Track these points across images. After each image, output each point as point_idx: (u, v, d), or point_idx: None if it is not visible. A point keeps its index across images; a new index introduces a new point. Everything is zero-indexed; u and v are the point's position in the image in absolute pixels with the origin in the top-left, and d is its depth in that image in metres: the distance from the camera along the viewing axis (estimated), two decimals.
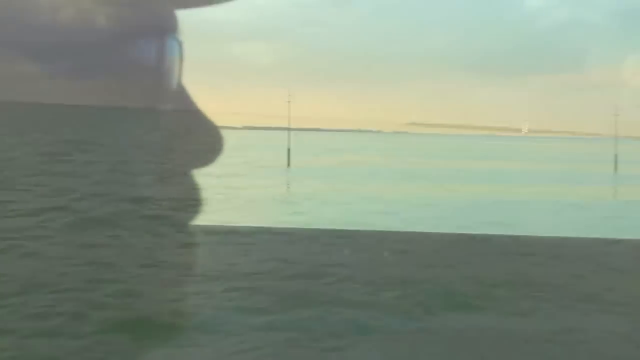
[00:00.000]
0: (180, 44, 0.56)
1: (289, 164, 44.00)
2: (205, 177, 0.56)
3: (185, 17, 0.53)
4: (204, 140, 0.56)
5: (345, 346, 4.34)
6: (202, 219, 0.56)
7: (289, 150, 44.69)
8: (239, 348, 3.93)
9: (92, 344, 0.56)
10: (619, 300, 5.20)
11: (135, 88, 0.53)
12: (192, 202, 0.54)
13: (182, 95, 0.56)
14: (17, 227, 0.52)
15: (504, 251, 7.14)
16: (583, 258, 6.57)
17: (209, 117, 0.56)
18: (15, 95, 0.50)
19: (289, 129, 48.53)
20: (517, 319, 4.80)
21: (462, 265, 6.19)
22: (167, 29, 0.55)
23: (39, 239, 0.53)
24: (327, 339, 4.44)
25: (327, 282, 6.14)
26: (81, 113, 0.51)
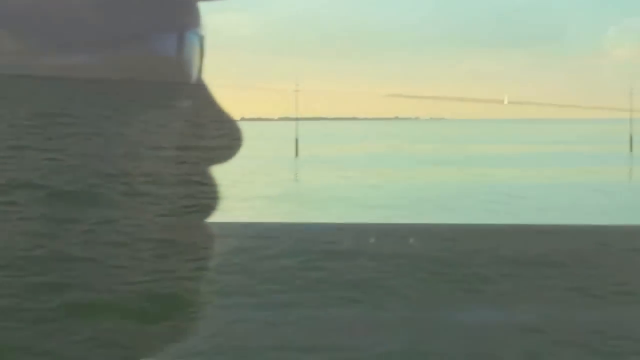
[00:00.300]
0: (200, 39, 0.57)
1: (297, 154, 44.70)
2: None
3: None
4: (218, 137, 0.57)
5: None
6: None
7: (296, 140, 45.44)
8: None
9: (50, 330, 0.50)
10: None
11: (145, 84, 0.53)
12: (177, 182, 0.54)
13: (200, 92, 0.57)
14: None
15: None
16: None
17: (228, 113, 0.57)
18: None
19: (296, 119, 49.40)
20: None
21: None
22: (186, 20, 0.56)
23: (6, 215, 0.50)
24: None
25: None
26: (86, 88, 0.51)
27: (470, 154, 49.40)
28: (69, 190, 0.51)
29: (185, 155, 0.55)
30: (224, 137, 0.57)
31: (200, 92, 0.57)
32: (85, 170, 0.51)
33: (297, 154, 44.49)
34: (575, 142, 64.95)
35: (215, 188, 0.57)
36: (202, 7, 0.58)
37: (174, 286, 0.55)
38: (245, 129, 0.58)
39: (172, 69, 0.55)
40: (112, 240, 0.52)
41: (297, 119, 49.54)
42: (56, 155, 0.51)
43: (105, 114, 0.52)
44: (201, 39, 0.57)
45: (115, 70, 0.52)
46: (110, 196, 0.52)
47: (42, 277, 0.51)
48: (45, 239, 0.50)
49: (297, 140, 45.36)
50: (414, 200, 23.26)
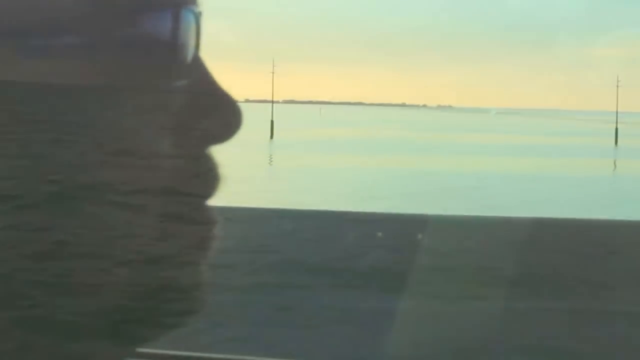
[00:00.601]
0: (196, 16, 0.55)
1: (272, 136, 44.61)
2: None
3: None
4: (216, 117, 0.55)
5: None
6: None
7: (272, 122, 45.33)
8: None
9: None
10: None
11: (140, 64, 0.51)
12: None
13: (197, 71, 0.55)
14: None
15: None
16: None
17: (226, 93, 0.55)
18: None
19: (272, 102, 49.25)
20: None
21: None
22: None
23: None
24: None
25: None
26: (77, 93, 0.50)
27: (458, 142, 49.34)
28: (41, 200, 0.48)
29: (183, 138, 0.52)
30: (222, 116, 0.55)
31: (198, 70, 0.55)
32: (60, 179, 0.48)
33: (272, 137, 44.41)
34: (563, 135, 64.85)
35: (213, 174, 0.55)
36: None
37: (141, 308, 0.51)
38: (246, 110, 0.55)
39: (167, 48, 0.52)
40: (82, 253, 0.49)
41: (272, 102, 49.32)
42: (30, 163, 0.48)
43: (88, 120, 0.49)
44: (197, 16, 0.55)
45: (108, 51, 0.50)
46: (85, 206, 0.49)
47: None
48: (10, 251, 0.48)
49: (272, 123, 45.25)
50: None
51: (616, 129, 54.33)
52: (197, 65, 0.54)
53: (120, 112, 0.50)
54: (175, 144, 0.52)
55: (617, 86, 63.47)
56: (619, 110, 59.59)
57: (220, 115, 0.54)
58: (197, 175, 0.53)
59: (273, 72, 54.44)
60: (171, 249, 0.52)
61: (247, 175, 22.93)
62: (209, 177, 0.54)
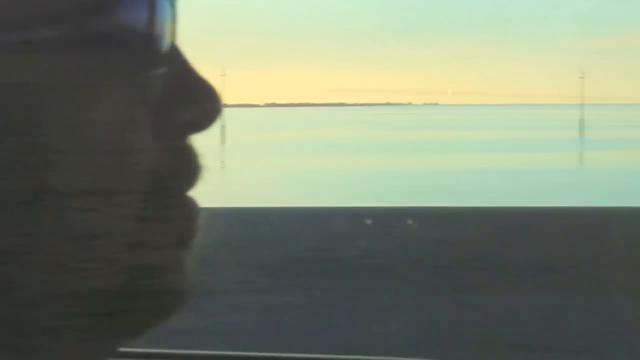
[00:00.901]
0: (172, 4, 0.53)
1: (223, 141, 44.28)
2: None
3: None
4: (194, 104, 0.52)
5: None
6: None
7: (223, 127, 44.87)
8: None
9: None
10: None
11: (113, 55, 0.48)
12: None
13: (174, 59, 0.52)
14: None
15: None
16: None
17: (204, 79, 0.53)
18: None
19: (225, 106, 48.83)
20: None
21: None
22: None
23: None
24: None
25: None
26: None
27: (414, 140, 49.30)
28: None
29: (160, 128, 0.51)
30: (200, 103, 0.53)
31: (175, 58, 0.53)
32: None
33: (223, 142, 44.10)
34: (524, 128, 64.66)
35: (193, 164, 0.52)
36: None
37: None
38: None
39: (143, 38, 0.51)
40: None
41: (225, 105, 48.90)
42: None
43: (48, 117, 0.46)
44: (173, 2, 0.53)
45: (80, 44, 0.48)
46: (29, 211, 0.46)
47: None
48: None
49: (223, 127, 44.82)
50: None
51: (581, 121, 54.00)
52: (175, 54, 0.53)
53: (88, 106, 0.47)
54: (152, 135, 0.50)
55: (582, 77, 63.10)
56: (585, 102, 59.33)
57: (199, 102, 0.52)
58: (176, 167, 0.51)
59: (224, 75, 54.34)
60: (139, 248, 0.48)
61: None
62: (188, 168, 0.52)
